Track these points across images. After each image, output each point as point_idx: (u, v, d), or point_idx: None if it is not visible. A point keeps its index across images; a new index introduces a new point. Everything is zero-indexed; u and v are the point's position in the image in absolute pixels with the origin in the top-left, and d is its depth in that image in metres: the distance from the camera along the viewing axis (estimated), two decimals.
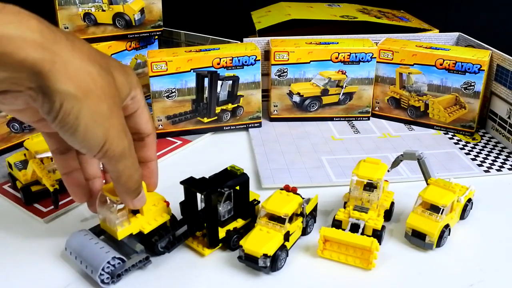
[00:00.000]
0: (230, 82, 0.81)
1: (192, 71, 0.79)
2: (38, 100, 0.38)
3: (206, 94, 0.81)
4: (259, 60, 0.81)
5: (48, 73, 0.36)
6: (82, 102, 0.38)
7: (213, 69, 0.79)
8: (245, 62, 0.80)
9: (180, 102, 0.80)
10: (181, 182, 0.55)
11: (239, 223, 0.57)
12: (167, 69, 0.78)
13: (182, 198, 0.56)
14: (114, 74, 0.42)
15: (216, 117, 0.83)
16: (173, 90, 0.79)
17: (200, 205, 0.55)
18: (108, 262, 0.49)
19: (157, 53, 0.80)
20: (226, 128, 0.84)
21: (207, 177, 0.56)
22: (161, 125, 0.81)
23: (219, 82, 0.80)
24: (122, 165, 0.44)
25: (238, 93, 0.82)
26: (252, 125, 0.85)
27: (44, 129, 0.47)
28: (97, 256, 0.50)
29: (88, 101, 0.38)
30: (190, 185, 0.54)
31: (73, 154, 0.51)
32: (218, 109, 0.83)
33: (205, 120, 0.83)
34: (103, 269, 0.49)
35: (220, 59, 0.79)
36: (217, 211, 0.54)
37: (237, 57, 0.79)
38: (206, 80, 0.80)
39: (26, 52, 0.35)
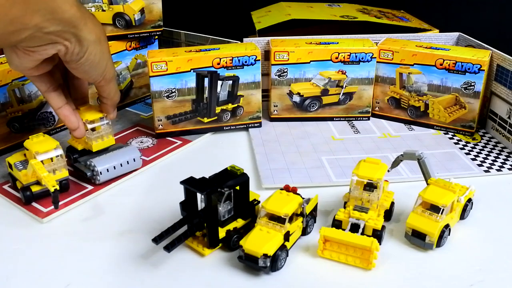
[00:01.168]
0: (230, 82, 0.81)
1: (192, 71, 0.79)
2: (72, 46, 0.54)
3: (206, 94, 0.81)
4: (259, 60, 0.81)
5: (82, 27, 0.54)
6: (98, 45, 0.57)
7: (213, 69, 0.79)
8: (245, 62, 0.80)
9: (180, 102, 0.80)
10: (181, 182, 0.55)
11: (239, 223, 0.57)
12: (167, 69, 0.78)
13: (182, 198, 0.56)
14: None
15: (216, 117, 0.83)
16: (173, 90, 0.79)
17: (200, 205, 0.55)
18: None
19: (157, 53, 0.80)
20: (226, 128, 0.84)
21: (207, 177, 0.56)
22: (161, 125, 0.81)
23: (219, 82, 0.80)
24: (112, 85, 0.65)
25: (238, 93, 0.82)
26: (252, 125, 0.85)
27: (38, 72, 0.60)
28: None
29: (100, 44, 0.58)
30: (190, 185, 0.54)
31: (61, 91, 0.64)
32: (218, 109, 0.83)
33: (205, 120, 0.83)
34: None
35: (220, 59, 0.79)
36: (217, 211, 0.54)
37: (237, 57, 0.79)
38: (206, 80, 0.80)
39: (73, 10, 0.52)
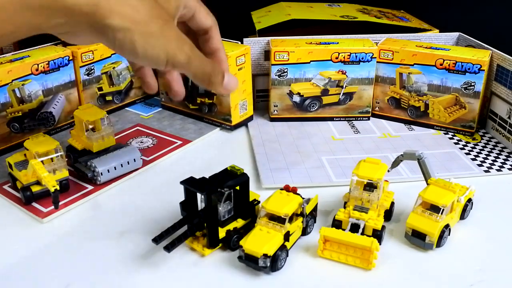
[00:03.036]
0: None
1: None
2: (95, 37, 0.43)
3: (190, 83, 0.85)
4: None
5: (96, 13, 0.41)
6: (132, 30, 0.43)
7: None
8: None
9: None
10: (181, 182, 0.55)
11: (239, 223, 0.57)
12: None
13: (182, 198, 0.56)
14: None
15: (197, 107, 0.87)
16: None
17: (200, 205, 0.55)
18: None
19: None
20: (206, 120, 0.87)
21: (207, 177, 0.56)
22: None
23: None
24: (192, 67, 0.48)
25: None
26: (224, 125, 0.85)
27: None
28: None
29: (137, 27, 0.43)
30: (190, 185, 0.54)
31: None
32: (198, 100, 0.87)
33: (190, 106, 0.88)
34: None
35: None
36: (217, 211, 0.54)
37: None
38: None
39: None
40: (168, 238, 0.53)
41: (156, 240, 0.52)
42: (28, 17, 0.39)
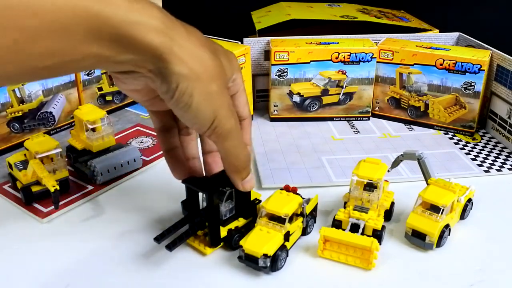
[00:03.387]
0: None
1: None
2: (157, 81, 0.42)
3: None
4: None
5: (167, 57, 0.40)
6: (195, 83, 0.42)
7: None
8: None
9: None
10: (183, 181, 0.55)
11: (240, 222, 0.57)
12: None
13: (182, 197, 0.56)
14: (220, 58, 0.46)
15: None
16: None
17: (202, 204, 0.55)
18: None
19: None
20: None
21: (208, 176, 0.56)
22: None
23: None
24: (230, 143, 0.47)
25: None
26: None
27: (152, 108, 0.51)
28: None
29: (200, 82, 0.42)
30: (192, 184, 0.54)
31: (175, 132, 0.54)
32: None
33: None
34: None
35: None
36: (218, 210, 0.54)
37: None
38: None
39: (150, 37, 0.39)
40: (170, 238, 0.53)
41: (158, 239, 0.52)
42: (96, 49, 0.38)
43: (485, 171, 0.72)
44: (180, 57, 0.41)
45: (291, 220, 0.55)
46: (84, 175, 0.69)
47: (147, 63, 0.41)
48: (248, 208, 0.58)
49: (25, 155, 0.65)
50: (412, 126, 0.87)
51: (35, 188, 0.64)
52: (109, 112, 0.85)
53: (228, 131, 0.46)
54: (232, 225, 0.56)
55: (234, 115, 0.47)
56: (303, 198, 0.57)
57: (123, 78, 0.44)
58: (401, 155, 0.64)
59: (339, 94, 0.87)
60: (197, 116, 0.44)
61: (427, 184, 0.60)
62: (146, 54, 0.40)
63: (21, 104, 0.78)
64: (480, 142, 0.81)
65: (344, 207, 0.60)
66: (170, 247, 0.52)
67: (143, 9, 0.39)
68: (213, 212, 0.53)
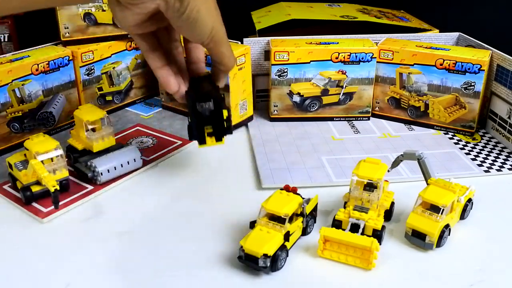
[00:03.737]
0: None
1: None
2: (171, 1, 0.50)
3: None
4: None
5: None
6: (201, 1, 0.52)
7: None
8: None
9: None
10: (186, 91, 0.60)
11: (225, 113, 0.61)
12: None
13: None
14: None
15: None
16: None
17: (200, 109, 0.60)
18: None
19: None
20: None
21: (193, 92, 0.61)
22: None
23: None
24: (223, 48, 0.58)
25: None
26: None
27: (138, 31, 0.57)
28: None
29: (206, 1, 0.53)
30: (198, 99, 0.59)
31: (162, 53, 0.61)
32: None
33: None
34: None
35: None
36: (222, 111, 0.60)
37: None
38: None
39: None
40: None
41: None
42: None
43: (485, 171, 0.72)
44: None
45: (291, 220, 0.55)
46: (84, 175, 0.69)
47: None
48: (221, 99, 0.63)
49: (25, 155, 0.65)
50: (412, 126, 0.87)
51: (35, 188, 0.64)
52: (109, 112, 0.85)
53: (222, 38, 0.56)
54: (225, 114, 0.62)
55: (223, 25, 0.57)
56: (303, 198, 0.57)
57: (137, 3, 0.50)
58: (401, 155, 0.64)
59: (339, 94, 0.87)
60: (201, 27, 0.53)
61: (427, 184, 0.60)
62: None
63: (21, 104, 0.78)
64: (480, 142, 0.81)
65: (344, 207, 0.60)
66: (192, 134, 0.60)
67: None
68: (219, 113, 0.60)
